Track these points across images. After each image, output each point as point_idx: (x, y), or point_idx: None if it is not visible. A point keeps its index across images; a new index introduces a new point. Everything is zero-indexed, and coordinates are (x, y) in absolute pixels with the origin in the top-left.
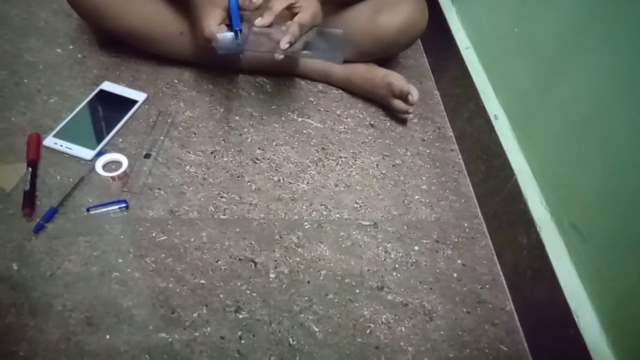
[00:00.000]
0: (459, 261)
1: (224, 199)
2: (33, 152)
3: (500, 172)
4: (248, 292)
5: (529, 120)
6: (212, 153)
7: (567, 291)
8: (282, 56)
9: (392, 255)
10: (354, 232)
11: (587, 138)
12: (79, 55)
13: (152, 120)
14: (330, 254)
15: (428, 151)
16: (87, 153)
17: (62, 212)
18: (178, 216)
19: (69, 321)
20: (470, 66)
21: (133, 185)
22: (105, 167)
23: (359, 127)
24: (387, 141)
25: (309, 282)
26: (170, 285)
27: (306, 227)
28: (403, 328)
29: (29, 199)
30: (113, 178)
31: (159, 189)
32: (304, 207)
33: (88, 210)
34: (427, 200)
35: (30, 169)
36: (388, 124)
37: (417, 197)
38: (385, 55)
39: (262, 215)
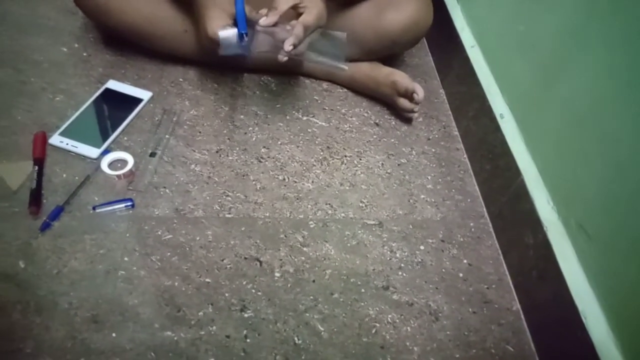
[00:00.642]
0: (464, 261)
1: (229, 198)
2: (39, 150)
3: (506, 171)
4: (253, 291)
5: (534, 118)
6: (217, 152)
7: (574, 291)
8: (286, 58)
9: (398, 255)
10: (359, 231)
11: (588, 136)
12: (84, 54)
13: (157, 118)
14: (335, 253)
15: (433, 150)
16: (92, 151)
17: (68, 210)
18: (183, 215)
19: (75, 319)
20: (475, 64)
21: (138, 183)
22: (111, 165)
23: (364, 125)
24: (392, 140)
25: (314, 281)
26: (176, 283)
27: (311, 226)
28: (409, 328)
29: (35, 197)
30: (119, 176)
31: (165, 187)
32: (309, 206)
33: (94, 208)
34: (433, 200)
35: (36, 167)
36: (393, 122)
37: (422, 196)
38: (390, 53)
39: (267, 214)
